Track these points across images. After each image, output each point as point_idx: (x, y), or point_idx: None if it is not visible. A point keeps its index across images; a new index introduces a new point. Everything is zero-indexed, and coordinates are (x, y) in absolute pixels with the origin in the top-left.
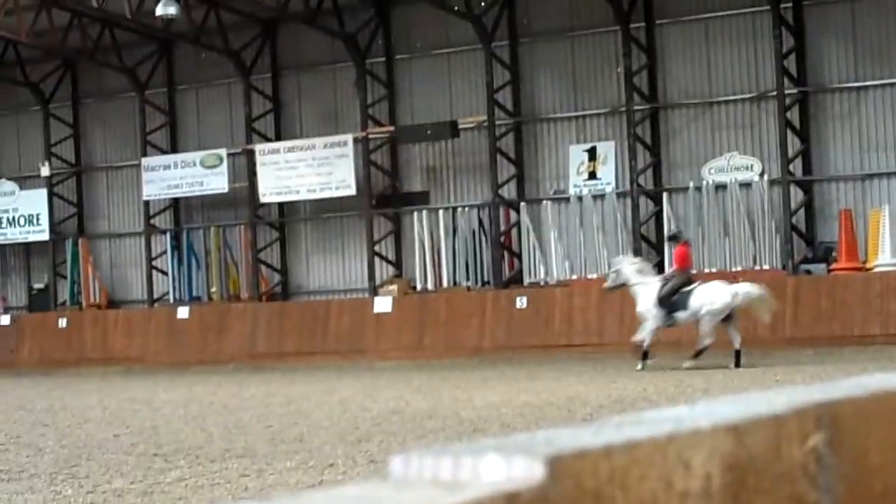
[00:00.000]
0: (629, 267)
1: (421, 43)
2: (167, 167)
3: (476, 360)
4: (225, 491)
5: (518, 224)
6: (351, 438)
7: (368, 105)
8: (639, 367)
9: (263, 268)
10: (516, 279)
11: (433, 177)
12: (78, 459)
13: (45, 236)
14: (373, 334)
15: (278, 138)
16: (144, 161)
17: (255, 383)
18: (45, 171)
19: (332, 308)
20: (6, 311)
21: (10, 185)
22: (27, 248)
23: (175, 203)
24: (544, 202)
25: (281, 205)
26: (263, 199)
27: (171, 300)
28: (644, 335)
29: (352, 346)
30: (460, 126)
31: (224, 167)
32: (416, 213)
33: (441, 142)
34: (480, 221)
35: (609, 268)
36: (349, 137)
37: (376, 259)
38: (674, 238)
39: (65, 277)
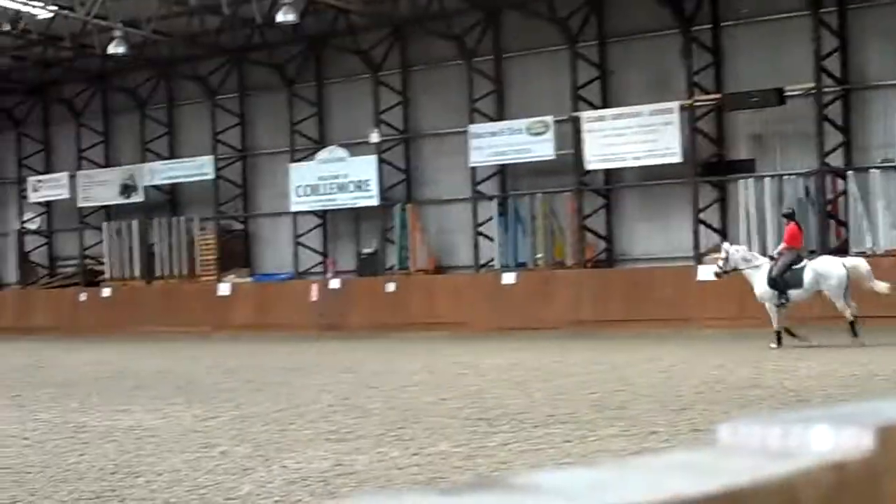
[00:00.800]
0: (735, 254)
1: (747, 9)
2: (493, 134)
3: (801, 329)
4: (548, 456)
5: (845, 193)
6: (674, 406)
7: (694, 72)
8: (772, 345)
9: (588, 234)
10: (843, 248)
11: (759, 144)
12: (404, 422)
13: (374, 202)
14: (696, 302)
15: (604, 105)
16: (471, 128)
17: (578, 350)
18: (374, 137)
19: (656, 275)
20: (336, 274)
21: (341, 152)
22: (357, 214)
23: (501, 170)
24: (872, 171)
25: (606, 171)
26: (589, 166)
27: (497, 266)
28: (774, 320)
29: (675, 313)
30: (787, 93)
31: (550, 134)
32: (741, 182)
33: (767, 109)
34: (807, 190)
35: (721, 252)
36: (675, 104)
37: (701, 227)
38: (788, 216)
39: (393, 242)
